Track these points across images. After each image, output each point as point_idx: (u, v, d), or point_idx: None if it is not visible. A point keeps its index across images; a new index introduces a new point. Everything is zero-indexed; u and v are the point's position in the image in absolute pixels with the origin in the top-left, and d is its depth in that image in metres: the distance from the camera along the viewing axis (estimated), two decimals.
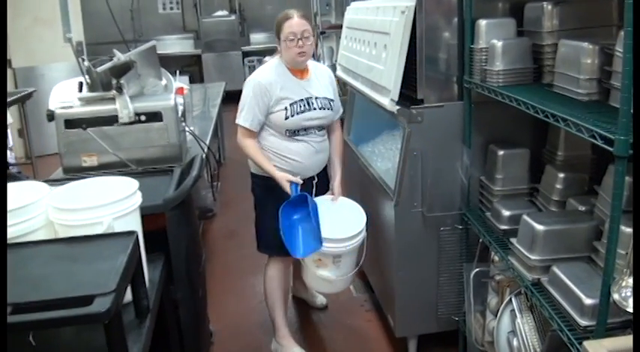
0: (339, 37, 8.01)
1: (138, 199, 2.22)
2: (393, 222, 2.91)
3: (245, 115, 3.01)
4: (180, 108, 3.39)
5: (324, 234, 2.92)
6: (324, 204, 3.11)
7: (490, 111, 2.75)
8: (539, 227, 2.20)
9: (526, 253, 2.23)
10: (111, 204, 2.03)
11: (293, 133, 3.06)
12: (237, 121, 3.05)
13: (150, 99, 3.26)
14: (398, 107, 2.74)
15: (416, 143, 2.78)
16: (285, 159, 3.09)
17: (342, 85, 4.16)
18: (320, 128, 3.14)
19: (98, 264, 1.78)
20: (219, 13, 9.20)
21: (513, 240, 2.35)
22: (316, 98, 3.08)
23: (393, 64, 2.69)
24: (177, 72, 5.36)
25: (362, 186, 3.57)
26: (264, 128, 3.08)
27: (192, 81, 9.10)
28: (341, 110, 3.31)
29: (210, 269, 4.31)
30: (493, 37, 2.52)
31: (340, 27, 8.52)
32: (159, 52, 9.34)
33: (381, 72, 2.86)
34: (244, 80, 3.21)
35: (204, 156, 3.38)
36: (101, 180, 2.34)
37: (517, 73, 2.46)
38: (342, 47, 3.85)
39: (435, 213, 2.86)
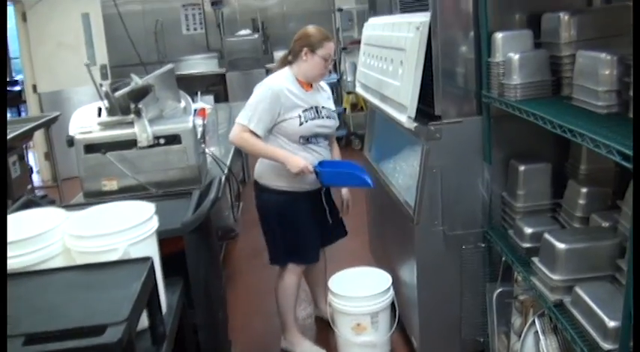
0: None
1: (154, 224, 2.21)
2: (414, 242, 2.87)
3: (252, 117, 2.99)
4: (200, 129, 3.40)
5: (357, 293, 3.22)
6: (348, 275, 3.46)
7: (510, 125, 2.71)
8: (561, 245, 2.14)
9: (548, 273, 2.17)
10: (126, 231, 2.02)
11: (306, 140, 3.10)
12: (239, 121, 3.03)
13: (168, 122, 3.27)
14: (415, 124, 2.70)
15: (435, 160, 2.74)
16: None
17: (363, 102, 4.13)
18: (326, 137, 3.21)
19: (112, 292, 1.77)
20: (243, 32, 9.22)
21: (535, 259, 2.29)
22: (323, 107, 3.17)
23: (410, 80, 2.66)
24: (199, 93, 5.42)
25: (382, 205, 3.53)
26: (273, 138, 3.09)
27: (217, 100, 9.16)
28: (335, 126, 3.37)
29: (233, 290, 4.31)
30: (510, 50, 2.47)
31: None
32: (183, 72, 9.51)
33: (398, 88, 2.83)
34: None
35: (223, 177, 3.37)
36: (117, 205, 2.34)
37: (535, 86, 2.41)
38: (361, 64, 3.83)
39: (457, 231, 2.82)
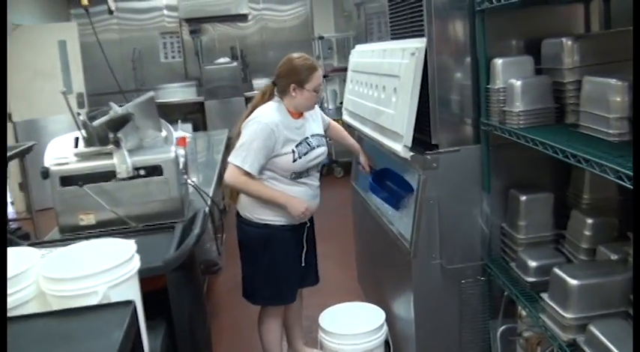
0: (342, 80, 8.01)
1: (136, 264, 2.05)
2: (410, 276, 2.73)
3: (246, 157, 2.83)
4: (182, 160, 3.24)
5: (352, 331, 3.08)
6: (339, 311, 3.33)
7: (509, 153, 2.61)
8: (573, 281, 2.01)
9: (560, 311, 2.04)
10: (106, 272, 1.86)
11: (298, 175, 2.96)
12: (233, 161, 2.86)
13: (149, 153, 3.11)
14: (412, 153, 2.58)
15: (432, 191, 2.62)
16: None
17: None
18: (317, 168, 3.08)
19: (92, 342, 1.60)
20: (221, 60, 9.11)
21: (544, 296, 2.17)
22: (312, 136, 3.01)
23: (405, 108, 2.55)
24: (179, 121, 5.26)
25: (374, 237, 3.39)
26: (263, 172, 2.94)
27: (195, 128, 8.99)
28: (326, 119, 3.36)
29: (216, 326, 4.14)
30: (510, 77, 2.38)
31: (343, 70, 8.48)
32: (161, 100, 9.37)
33: (392, 116, 2.71)
34: None
35: (207, 209, 3.22)
36: (95, 243, 2.17)
37: (538, 113, 2.31)
38: (348, 91, 3.72)
39: (455, 264, 2.69)
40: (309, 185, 3.02)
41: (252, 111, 2.99)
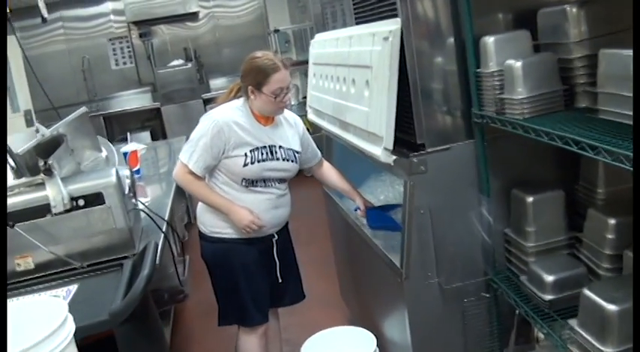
0: (303, 74, 7.59)
1: (70, 329, 1.64)
2: (404, 300, 2.33)
3: (192, 155, 2.59)
4: (127, 182, 2.80)
5: None
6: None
7: (507, 147, 2.23)
8: (611, 307, 1.63)
9: (596, 343, 1.65)
10: (33, 348, 1.46)
11: (250, 183, 2.63)
12: (181, 157, 2.63)
13: (86, 179, 2.65)
14: (394, 157, 2.17)
15: (422, 198, 2.21)
16: None
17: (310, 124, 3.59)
18: (281, 180, 2.74)
19: None
20: (175, 62, 8.66)
21: (572, 322, 1.78)
22: (280, 147, 2.68)
23: (381, 103, 2.14)
24: (129, 134, 4.81)
25: (357, 253, 2.99)
26: (216, 175, 2.66)
27: (154, 136, 8.56)
28: (319, 154, 2.98)
29: None
30: (506, 57, 1.98)
31: (303, 63, 8.07)
32: (116, 109, 8.85)
33: (366, 115, 2.30)
34: None
35: (161, 240, 2.79)
36: (17, 307, 1.75)
37: (545, 98, 1.91)
38: (312, 87, 3.29)
39: (455, 283, 2.29)
40: (266, 194, 2.68)
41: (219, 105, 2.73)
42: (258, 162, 2.59)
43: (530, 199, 2.17)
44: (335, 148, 3.46)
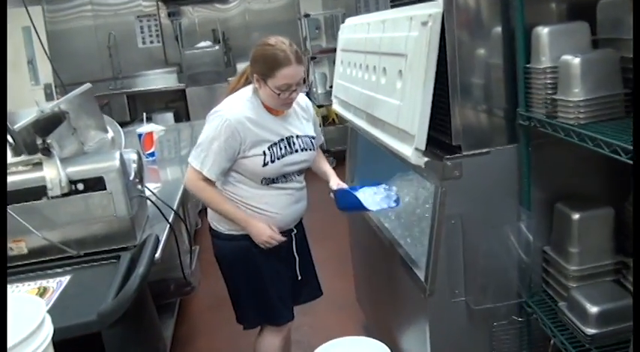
0: (332, 62, 7.34)
1: (47, 332, 1.45)
2: (427, 318, 2.09)
3: (206, 160, 2.34)
4: (133, 166, 2.58)
5: None
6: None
7: (553, 155, 1.98)
8: None
9: None
10: None
11: (270, 181, 2.42)
12: (192, 163, 2.37)
13: (88, 161, 2.45)
14: (426, 159, 1.92)
15: (453, 207, 1.96)
16: (259, 212, 2.44)
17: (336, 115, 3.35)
18: (300, 172, 2.54)
19: None
20: (203, 44, 8.47)
21: None
22: (297, 137, 2.46)
23: (415, 97, 1.89)
24: (144, 114, 4.61)
25: (377, 258, 2.74)
26: (231, 173, 2.42)
27: (177, 118, 8.38)
28: (322, 139, 2.74)
29: None
30: (561, 51, 1.73)
31: (332, 51, 7.82)
32: (141, 88, 8.70)
33: (397, 109, 2.05)
34: None
35: (165, 233, 2.57)
36: None
37: (604, 103, 1.65)
38: (338, 75, 3.05)
39: (486, 304, 2.03)
40: (287, 189, 2.47)
41: (230, 91, 2.51)
42: (279, 159, 2.37)
43: (576, 216, 1.91)
44: (360, 142, 3.22)
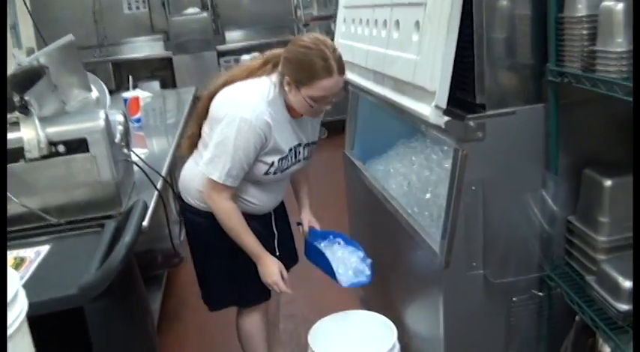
0: (324, 30, 7.13)
1: (21, 306, 1.28)
2: (440, 293, 1.92)
3: (225, 168, 2.04)
4: (119, 129, 2.39)
5: None
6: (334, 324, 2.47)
7: (584, 116, 1.81)
8: None
9: None
10: None
11: (260, 182, 2.23)
12: (210, 175, 2.07)
13: (69, 121, 2.25)
14: (447, 118, 1.74)
15: (475, 172, 1.78)
16: (246, 203, 2.25)
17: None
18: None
19: None
20: (190, 10, 8.22)
21: None
22: (306, 146, 2.26)
23: (436, 50, 1.70)
24: (130, 77, 4.39)
25: (382, 228, 2.57)
26: None
27: (164, 87, 8.14)
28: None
29: (180, 330, 3.38)
30: None
31: (324, 18, 7.57)
32: (127, 56, 8.45)
33: (414, 64, 1.86)
34: None
35: (153, 199, 2.39)
36: None
37: None
38: (340, 34, 2.85)
39: (505, 278, 1.87)
40: (275, 185, 2.31)
41: (245, 76, 2.15)
42: (282, 171, 2.18)
43: (608, 183, 1.74)
44: (360, 109, 3.04)
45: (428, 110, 1.75)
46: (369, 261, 2.33)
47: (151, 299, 3.24)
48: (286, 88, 2.04)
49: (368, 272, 2.29)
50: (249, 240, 2.18)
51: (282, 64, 2.05)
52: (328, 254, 2.32)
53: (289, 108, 2.11)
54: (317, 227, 2.50)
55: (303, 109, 2.07)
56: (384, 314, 2.50)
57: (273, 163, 2.11)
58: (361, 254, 2.35)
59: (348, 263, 2.33)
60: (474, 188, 1.80)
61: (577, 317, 1.81)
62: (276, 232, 2.42)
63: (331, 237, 2.45)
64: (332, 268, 2.27)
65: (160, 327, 3.24)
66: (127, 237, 1.70)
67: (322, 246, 2.39)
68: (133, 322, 1.83)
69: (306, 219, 2.50)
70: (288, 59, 2.02)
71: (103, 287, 1.60)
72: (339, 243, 2.42)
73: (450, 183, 1.80)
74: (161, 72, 8.55)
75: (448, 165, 2.27)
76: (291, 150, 2.15)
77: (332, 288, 3.63)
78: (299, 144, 2.19)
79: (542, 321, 1.96)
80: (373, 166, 2.83)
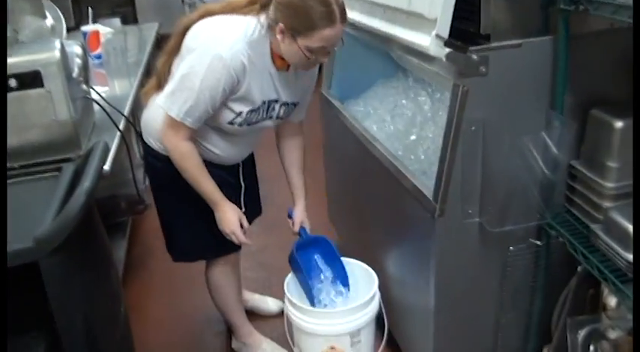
0: None
1: None
2: (432, 241, 1.78)
3: (186, 105, 1.83)
4: (77, 62, 2.16)
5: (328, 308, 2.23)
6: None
7: (593, 51, 1.65)
8: None
9: None
10: None
11: (224, 131, 2.02)
12: (169, 111, 1.87)
13: (21, 52, 2.00)
14: (447, 50, 1.56)
15: (475, 111, 1.62)
16: (207, 151, 2.07)
17: None
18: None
19: None
20: None
21: None
22: (283, 105, 2.03)
23: None
24: (89, 8, 4.11)
25: (364, 173, 2.41)
26: None
27: (125, 23, 7.79)
28: (303, 114, 2.28)
29: (146, 280, 3.24)
30: None
31: None
32: None
33: None
34: None
35: (116, 140, 2.19)
36: None
37: None
38: None
39: (505, 226, 1.73)
40: (240, 141, 2.12)
41: (228, 11, 1.91)
42: (248, 124, 1.97)
43: (619, 124, 1.60)
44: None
45: (427, 40, 1.56)
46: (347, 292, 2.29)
47: (116, 247, 3.08)
48: (278, 37, 1.80)
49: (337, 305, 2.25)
50: (206, 185, 2.00)
51: (274, 9, 1.80)
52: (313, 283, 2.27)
53: (274, 57, 1.89)
54: (307, 227, 2.33)
55: (297, 60, 1.84)
56: (360, 255, 2.39)
57: (240, 113, 1.91)
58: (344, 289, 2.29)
59: (326, 293, 2.28)
60: (473, 128, 1.63)
61: (579, 268, 1.69)
62: (243, 185, 2.25)
63: (318, 253, 2.35)
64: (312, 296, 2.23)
65: (125, 277, 3.09)
66: (87, 183, 1.51)
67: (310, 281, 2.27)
68: (95, 275, 1.66)
69: (299, 218, 2.31)
70: (281, 3, 1.77)
71: (60, 239, 1.41)
72: (325, 262, 2.34)
73: (447, 123, 1.63)
74: (122, 8, 8.17)
75: (437, 104, 2.12)
76: (264, 103, 1.94)
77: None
78: (275, 100, 1.98)
79: (538, 272, 1.84)
80: (351, 107, 2.65)
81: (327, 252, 2.33)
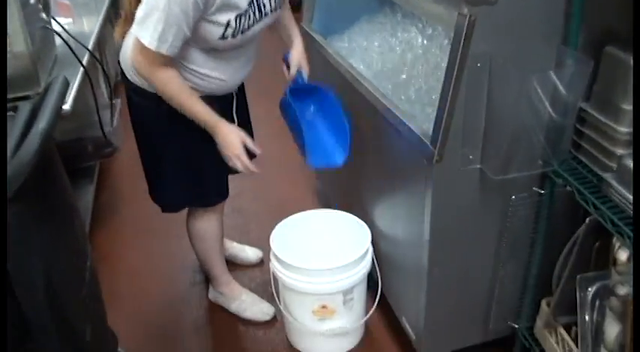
0: None
1: None
2: (429, 188, 1.64)
3: (166, 35, 1.67)
4: None
5: (321, 265, 2.05)
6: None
7: None
8: None
9: None
10: None
11: (220, 52, 1.88)
12: (145, 41, 1.70)
13: None
14: None
15: (481, 45, 1.45)
16: (200, 77, 1.90)
17: None
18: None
19: None
20: None
21: None
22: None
23: None
24: None
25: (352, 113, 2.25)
26: None
27: None
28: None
29: (116, 223, 3.09)
30: None
31: None
32: None
33: None
34: None
35: (79, 75, 1.99)
36: None
37: None
38: None
39: (509, 173, 1.59)
40: (241, 56, 1.94)
41: None
42: (242, 33, 1.79)
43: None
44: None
45: None
46: (347, 140, 2.01)
47: (83, 193, 2.92)
48: None
49: (340, 160, 2.00)
50: (198, 108, 1.84)
51: None
52: (307, 129, 1.98)
53: None
54: (305, 72, 2.13)
55: None
56: (348, 212, 2.26)
57: (229, 23, 1.73)
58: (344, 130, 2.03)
59: (324, 141, 2.05)
60: (479, 64, 1.47)
61: (588, 219, 1.56)
62: (236, 119, 2.09)
63: (314, 105, 2.12)
64: (304, 144, 1.95)
65: (94, 224, 2.93)
66: (42, 123, 1.32)
67: (304, 120, 2.03)
68: (56, 227, 1.49)
69: (296, 59, 2.12)
70: None
71: (15, 187, 1.24)
72: (322, 117, 2.10)
73: (450, 59, 1.46)
74: None
75: (429, 41, 1.96)
76: (251, 3, 1.76)
77: (283, 179, 3.34)
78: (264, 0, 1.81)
79: (540, 222, 1.72)
80: (335, 43, 2.47)
81: (326, 106, 2.11)
